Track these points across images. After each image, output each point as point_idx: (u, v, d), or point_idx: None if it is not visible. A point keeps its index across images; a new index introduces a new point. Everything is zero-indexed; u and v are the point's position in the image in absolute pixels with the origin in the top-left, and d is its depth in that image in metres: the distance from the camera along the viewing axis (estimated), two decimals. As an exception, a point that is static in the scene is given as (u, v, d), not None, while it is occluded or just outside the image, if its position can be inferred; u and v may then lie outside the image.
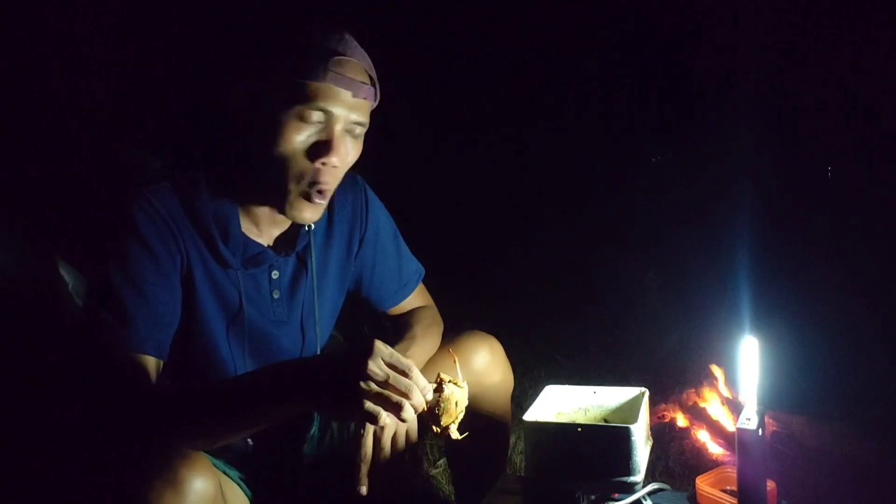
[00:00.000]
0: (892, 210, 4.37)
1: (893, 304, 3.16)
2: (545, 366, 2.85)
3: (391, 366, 1.01)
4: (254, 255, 1.25)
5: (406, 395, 1.01)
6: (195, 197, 1.19)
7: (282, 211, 1.21)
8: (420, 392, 1.03)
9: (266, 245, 1.27)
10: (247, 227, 1.24)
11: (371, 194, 1.44)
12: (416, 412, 1.04)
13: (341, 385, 1.02)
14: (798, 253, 3.99)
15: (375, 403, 1.00)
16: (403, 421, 1.03)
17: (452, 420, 1.12)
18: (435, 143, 6.03)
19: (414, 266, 1.52)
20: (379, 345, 1.01)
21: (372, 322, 1.58)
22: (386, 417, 1.01)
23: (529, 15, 6.18)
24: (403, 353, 1.24)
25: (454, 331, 1.50)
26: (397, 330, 1.45)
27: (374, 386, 1.00)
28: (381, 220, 1.45)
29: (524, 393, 2.38)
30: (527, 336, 3.17)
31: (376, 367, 1.00)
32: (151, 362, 1.14)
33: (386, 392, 1.00)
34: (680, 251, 4.05)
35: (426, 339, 1.42)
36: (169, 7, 4.03)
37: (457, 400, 1.12)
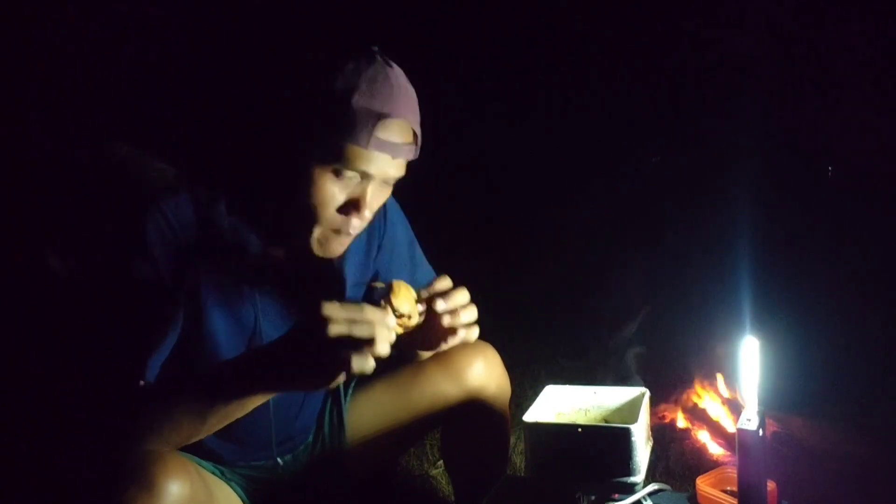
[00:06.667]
0: (892, 210, 4.36)
1: (893, 304, 3.16)
2: (545, 366, 2.85)
3: (347, 319, 0.99)
4: (271, 271, 1.23)
5: (372, 333, 0.99)
6: (213, 212, 1.16)
7: (307, 245, 1.18)
8: (385, 341, 1.01)
9: (283, 260, 1.25)
10: (264, 243, 1.22)
11: (390, 201, 1.40)
12: (390, 341, 1.02)
13: (303, 344, 1.00)
14: (798, 253, 3.99)
15: (343, 350, 0.98)
16: (380, 356, 1.00)
17: (402, 302, 1.12)
18: (434, 140, 6.02)
19: (429, 276, 1.49)
20: (327, 305, 0.98)
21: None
22: (360, 361, 0.99)
23: (533, 11, 6.18)
24: None
25: None
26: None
27: (335, 329, 0.97)
28: (397, 226, 1.42)
29: (524, 393, 2.38)
30: (527, 336, 3.17)
31: (331, 309, 0.98)
32: (138, 372, 1.12)
33: (352, 330, 0.98)
34: (680, 251, 4.05)
35: None
36: (205, 36, 3.97)
37: (404, 294, 1.13)
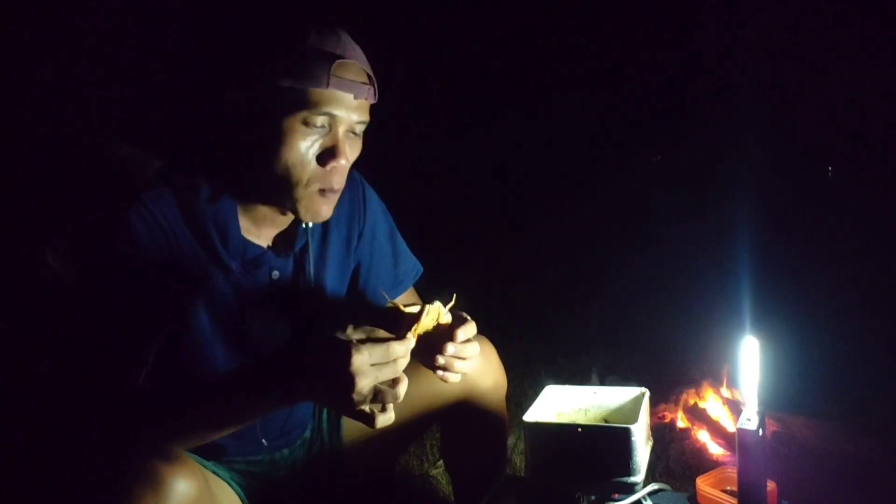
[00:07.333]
0: (892, 210, 4.37)
1: (893, 304, 3.17)
2: (545, 366, 2.85)
3: (374, 365, 1.03)
4: (253, 258, 1.24)
5: (397, 373, 1.05)
6: (195, 202, 1.18)
7: (295, 213, 1.21)
8: (404, 381, 1.06)
9: (265, 246, 1.26)
10: (245, 229, 1.23)
11: (369, 190, 1.43)
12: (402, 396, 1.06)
13: (331, 398, 1.05)
14: (798, 253, 3.99)
15: (370, 406, 1.04)
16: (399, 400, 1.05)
17: (425, 329, 1.15)
18: (435, 138, 6.02)
19: (411, 264, 1.51)
20: (357, 357, 1.01)
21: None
22: (384, 419, 1.05)
23: (534, 10, 6.19)
24: None
25: None
26: None
27: (362, 382, 1.01)
28: (378, 215, 1.44)
29: (524, 393, 2.38)
30: (527, 335, 3.17)
31: (365, 380, 1.01)
32: (137, 369, 1.13)
33: (380, 392, 1.03)
34: (680, 251, 4.05)
35: None
36: (165, 8, 4.02)
37: (430, 318, 1.15)
